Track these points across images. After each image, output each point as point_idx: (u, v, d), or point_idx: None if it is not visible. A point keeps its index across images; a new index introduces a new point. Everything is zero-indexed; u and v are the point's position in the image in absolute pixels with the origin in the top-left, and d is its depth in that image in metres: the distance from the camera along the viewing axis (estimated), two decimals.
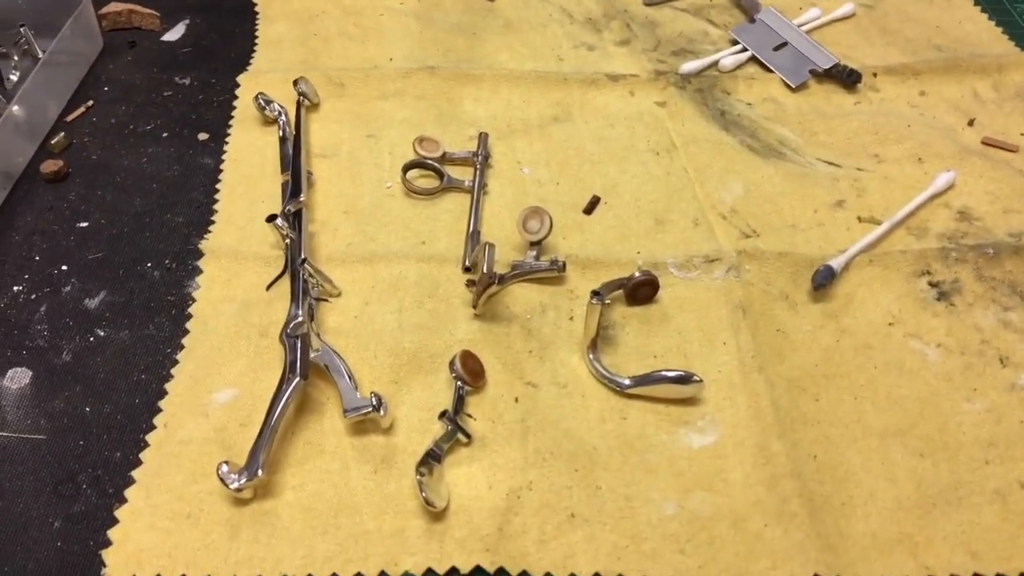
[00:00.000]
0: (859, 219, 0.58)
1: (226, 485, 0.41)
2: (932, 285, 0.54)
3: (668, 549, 0.41)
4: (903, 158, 0.63)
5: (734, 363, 0.49)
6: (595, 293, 0.48)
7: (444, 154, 0.61)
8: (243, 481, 0.41)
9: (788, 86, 0.69)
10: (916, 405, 0.48)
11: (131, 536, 0.41)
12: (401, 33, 0.74)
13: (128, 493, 0.43)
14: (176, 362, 0.48)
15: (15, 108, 0.60)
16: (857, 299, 0.53)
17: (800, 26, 0.74)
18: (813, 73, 0.70)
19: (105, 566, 0.40)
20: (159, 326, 0.51)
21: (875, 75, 0.70)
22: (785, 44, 0.72)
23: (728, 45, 0.73)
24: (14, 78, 0.68)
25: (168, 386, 0.47)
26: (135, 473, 0.43)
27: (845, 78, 0.69)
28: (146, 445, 0.45)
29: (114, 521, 0.42)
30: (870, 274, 0.54)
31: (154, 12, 0.74)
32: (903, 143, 0.64)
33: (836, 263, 0.53)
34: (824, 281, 0.52)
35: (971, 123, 0.66)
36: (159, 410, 0.46)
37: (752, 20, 0.74)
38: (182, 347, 0.49)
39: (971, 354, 0.50)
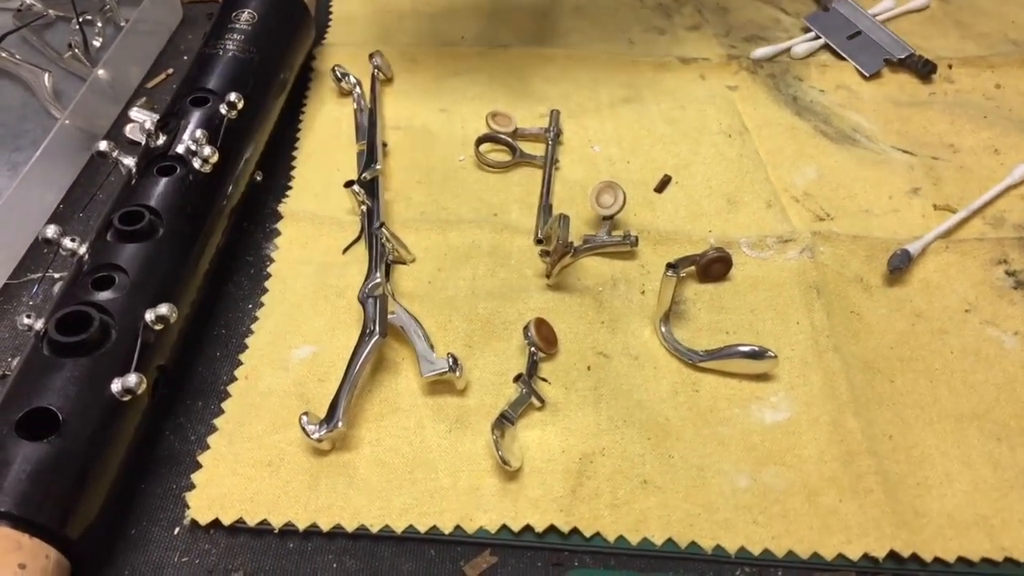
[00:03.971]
0: (935, 207, 0.58)
1: (308, 435, 0.42)
2: (1009, 274, 0.53)
3: (741, 520, 0.41)
4: (979, 148, 0.62)
5: (808, 342, 0.49)
6: (670, 266, 0.48)
7: (516, 130, 0.62)
8: (323, 432, 0.42)
9: (862, 74, 0.69)
10: (992, 391, 0.47)
11: (214, 480, 0.42)
12: (473, 12, 0.75)
13: (210, 440, 0.44)
14: (256, 319, 0.49)
15: (100, 72, 0.62)
16: (933, 285, 0.52)
17: (874, 16, 0.73)
18: (887, 62, 0.69)
19: (189, 508, 0.41)
20: (237, 284, 0.52)
21: (950, 67, 0.70)
22: (859, 33, 0.71)
23: (800, 33, 0.73)
24: (97, 44, 0.69)
25: (248, 340, 0.48)
26: (217, 421, 0.44)
27: (920, 68, 0.68)
28: (228, 396, 0.46)
29: (197, 466, 0.43)
30: (946, 260, 0.54)
31: None
32: (979, 134, 0.63)
33: (912, 248, 0.53)
34: (901, 264, 0.52)
35: None
36: (240, 363, 0.47)
37: (826, 8, 0.74)
38: (262, 305, 0.50)
39: None
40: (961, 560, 0.40)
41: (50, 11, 0.72)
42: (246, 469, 0.42)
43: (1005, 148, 0.62)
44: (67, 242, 0.44)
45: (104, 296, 0.42)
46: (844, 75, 0.69)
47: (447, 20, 0.74)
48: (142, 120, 0.54)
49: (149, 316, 0.42)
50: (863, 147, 0.62)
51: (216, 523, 0.41)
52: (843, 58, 0.70)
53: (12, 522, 0.35)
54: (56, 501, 0.36)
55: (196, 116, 0.52)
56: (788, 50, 0.71)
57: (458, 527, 0.41)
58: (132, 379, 0.39)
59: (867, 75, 0.68)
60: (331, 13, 0.75)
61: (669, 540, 0.41)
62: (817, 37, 0.71)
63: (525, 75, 0.68)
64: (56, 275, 0.50)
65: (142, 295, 0.43)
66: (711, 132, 0.63)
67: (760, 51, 0.70)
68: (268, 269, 0.52)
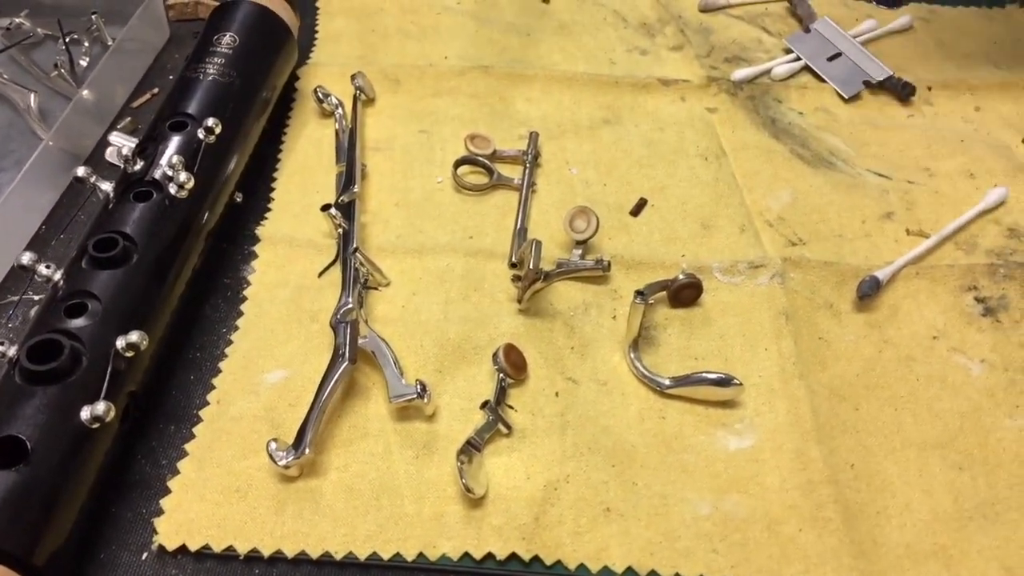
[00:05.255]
0: (907, 232, 0.58)
1: (275, 462, 0.43)
2: (979, 300, 0.54)
3: (701, 548, 0.42)
4: (954, 173, 0.63)
5: (775, 369, 0.49)
6: (639, 293, 0.48)
7: (495, 151, 0.63)
8: (291, 459, 0.43)
9: (841, 97, 0.69)
10: (957, 419, 0.48)
11: (182, 506, 0.43)
12: (457, 32, 0.75)
13: (180, 465, 0.44)
14: (230, 342, 0.50)
15: (85, 92, 0.63)
16: (902, 311, 0.53)
17: (855, 37, 0.74)
18: (867, 84, 0.70)
19: (157, 533, 0.42)
20: (214, 306, 0.53)
21: (929, 89, 0.70)
22: (840, 55, 0.72)
23: (781, 53, 0.74)
24: (83, 63, 0.70)
25: (222, 364, 0.49)
26: (188, 446, 0.45)
27: (899, 90, 0.69)
28: (199, 420, 0.46)
29: (167, 491, 0.43)
30: (916, 287, 0.54)
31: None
32: (955, 158, 0.64)
33: (882, 274, 0.53)
34: (869, 291, 0.52)
35: None
36: (212, 387, 0.48)
37: (807, 30, 0.74)
38: (236, 328, 0.51)
39: (1015, 371, 0.50)
40: None
41: (38, 30, 0.72)
42: (214, 495, 0.43)
43: (980, 173, 0.63)
44: (42, 268, 0.45)
45: (76, 323, 0.43)
46: (823, 97, 0.69)
47: (431, 40, 0.74)
48: (121, 145, 0.55)
49: (120, 343, 0.43)
50: (839, 170, 0.63)
51: (183, 548, 0.41)
52: (823, 80, 0.71)
53: None
54: (23, 529, 0.37)
55: (174, 141, 0.52)
56: (769, 71, 0.71)
57: (421, 554, 0.41)
58: (101, 407, 0.40)
59: (846, 97, 0.69)
60: (317, 32, 0.75)
61: (629, 568, 0.41)
62: (798, 58, 0.72)
63: (507, 96, 0.69)
64: (35, 297, 0.51)
65: (114, 322, 0.43)
66: (688, 155, 0.64)
67: (741, 72, 0.70)
68: (244, 292, 0.53)
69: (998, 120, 0.68)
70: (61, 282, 0.45)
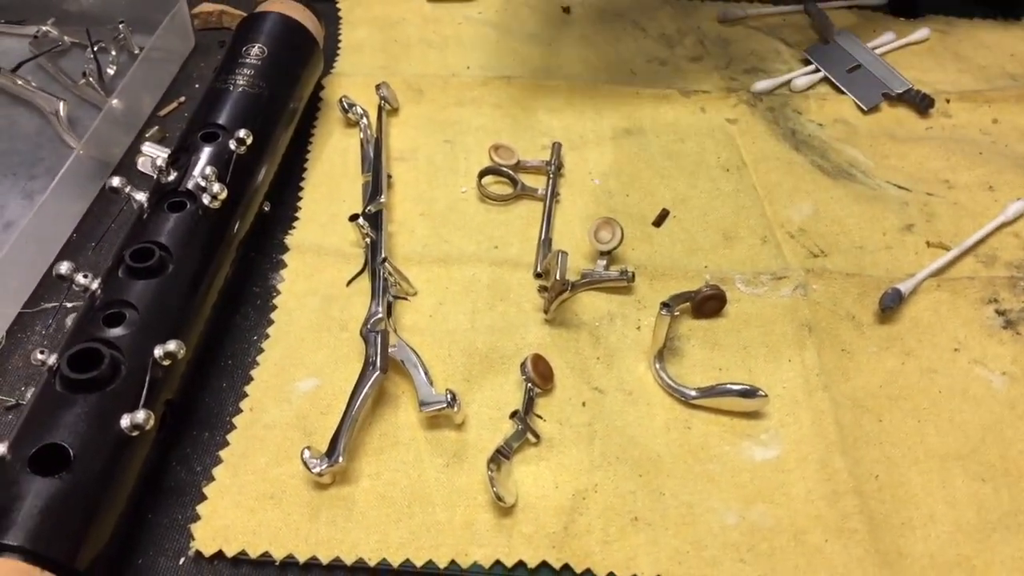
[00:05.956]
0: (928, 244, 0.59)
1: (309, 469, 0.43)
2: (999, 313, 0.54)
3: (728, 557, 0.43)
4: (973, 185, 0.63)
5: (799, 380, 0.50)
6: (665, 304, 0.49)
7: (518, 162, 0.63)
8: (324, 467, 0.43)
9: (860, 108, 0.70)
10: (979, 431, 0.48)
11: (218, 512, 0.43)
12: (479, 42, 0.76)
13: (215, 472, 0.45)
14: (261, 350, 0.51)
15: (115, 102, 0.63)
16: (923, 323, 0.53)
17: (874, 49, 0.74)
18: (886, 96, 0.70)
19: (193, 539, 0.42)
20: (244, 315, 0.54)
21: (948, 101, 0.71)
22: (859, 66, 0.72)
23: (800, 65, 0.74)
24: (111, 72, 0.71)
25: (254, 372, 0.50)
26: (222, 453, 0.46)
27: (918, 103, 0.69)
28: (233, 427, 0.47)
29: (203, 497, 0.44)
30: (937, 299, 0.55)
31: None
32: (974, 170, 0.64)
33: (904, 287, 0.54)
34: (892, 304, 0.53)
35: None
36: (245, 395, 0.49)
37: (826, 41, 0.75)
38: (267, 336, 0.52)
39: None
40: None
41: (66, 38, 0.73)
42: (249, 501, 0.44)
43: (999, 185, 0.63)
44: (80, 278, 0.45)
45: (115, 333, 0.44)
46: (843, 108, 0.70)
47: (453, 50, 0.75)
48: (154, 156, 0.56)
49: (158, 352, 0.43)
50: (859, 182, 0.63)
51: (220, 554, 0.42)
52: (842, 91, 0.71)
53: (23, 556, 0.36)
54: (66, 535, 0.38)
55: (206, 152, 0.53)
56: (788, 83, 0.72)
57: (453, 562, 0.42)
58: (140, 415, 0.41)
59: (865, 109, 0.70)
60: (340, 42, 0.76)
61: None
62: (817, 70, 0.73)
63: (529, 106, 0.70)
64: (69, 305, 0.51)
65: (152, 331, 0.44)
66: (709, 166, 0.64)
67: (760, 84, 0.71)
68: (274, 300, 0.54)
69: (1015, 132, 0.68)
70: (99, 291, 0.46)
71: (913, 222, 0.60)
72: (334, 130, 0.67)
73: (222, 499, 0.44)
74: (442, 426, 0.47)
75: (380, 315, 0.50)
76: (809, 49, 0.75)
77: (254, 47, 0.61)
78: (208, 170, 0.51)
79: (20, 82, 0.68)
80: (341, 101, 0.67)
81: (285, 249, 0.57)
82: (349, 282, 0.55)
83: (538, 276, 0.56)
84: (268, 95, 0.59)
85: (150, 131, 0.66)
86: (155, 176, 0.52)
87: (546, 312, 0.53)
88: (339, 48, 0.76)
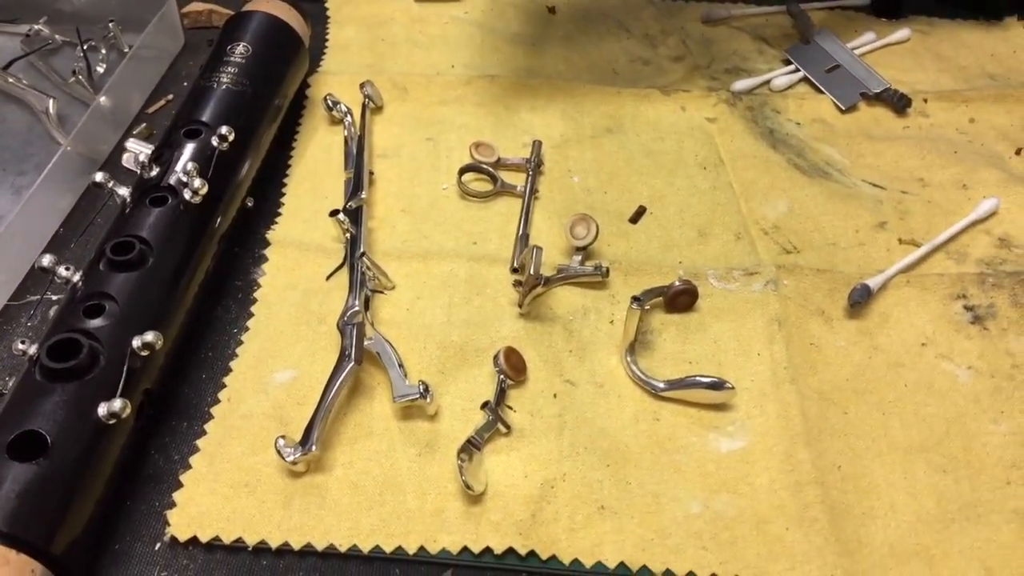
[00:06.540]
0: (900, 241, 0.60)
1: (283, 458, 0.44)
2: (967, 309, 0.55)
3: (692, 545, 0.44)
4: (948, 183, 0.64)
5: (767, 373, 0.51)
6: (635, 299, 0.50)
7: (499, 159, 0.64)
8: (298, 455, 0.45)
9: (838, 108, 0.71)
10: (942, 424, 0.49)
11: (194, 499, 0.44)
12: (464, 41, 0.77)
13: (192, 460, 0.46)
14: (241, 342, 0.52)
15: (102, 99, 0.65)
16: (892, 318, 0.54)
17: (854, 49, 0.75)
18: (864, 96, 0.71)
19: (169, 525, 0.43)
20: (225, 307, 0.55)
21: (925, 100, 0.71)
22: (838, 66, 0.73)
23: (781, 65, 0.75)
24: (100, 70, 0.72)
25: (233, 364, 0.51)
26: (199, 442, 0.47)
27: (895, 102, 0.70)
28: (211, 417, 0.48)
29: (179, 485, 0.45)
30: (906, 295, 0.56)
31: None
32: (949, 168, 0.65)
33: (873, 283, 0.55)
34: (860, 299, 0.54)
35: (1019, 152, 0.67)
36: (223, 386, 0.50)
37: (807, 41, 0.76)
38: (247, 329, 0.53)
39: (1001, 377, 0.51)
40: None
41: (56, 36, 0.75)
42: (224, 489, 0.45)
43: (973, 183, 0.64)
44: (62, 270, 0.47)
45: (94, 323, 0.45)
46: (821, 108, 0.71)
47: (439, 49, 0.76)
48: (138, 152, 0.57)
49: (136, 343, 0.44)
50: (835, 180, 0.64)
51: (194, 540, 0.43)
52: (821, 91, 0.72)
53: (0, 539, 0.37)
54: (42, 520, 0.39)
55: (189, 148, 0.54)
56: (768, 82, 0.73)
57: (422, 548, 0.43)
58: (117, 404, 0.42)
59: (843, 108, 0.70)
60: (327, 40, 0.77)
61: (622, 564, 0.43)
62: (797, 70, 0.74)
63: (512, 104, 0.71)
64: (54, 297, 0.53)
65: (131, 323, 0.45)
66: (687, 164, 0.65)
67: (740, 83, 0.72)
68: (255, 294, 0.55)
69: (992, 132, 0.69)
70: (80, 283, 0.47)
71: (886, 220, 0.61)
72: (319, 127, 0.68)
73: (198, 487, 0.45)
74: (415, 417, 0.48)
75: (357, 308, 0.51)
76: (790, 49, 0.76)
77: (239, 46, 0.62)
78: (190, 166, 0.52)
79: (11, 79, 0.70)
80: (325, 99, 0.68)
81: (267, 244, 0.58)
82: (328, 276, 0.56)
83: (515, 271, 0.57)
84: (252, 93, 0.60)
85: (138, 128, 0.67)
86: (138, 172, 0.53)
87: (521, 306, 0.54)
88: (326, 46, 0.77)
